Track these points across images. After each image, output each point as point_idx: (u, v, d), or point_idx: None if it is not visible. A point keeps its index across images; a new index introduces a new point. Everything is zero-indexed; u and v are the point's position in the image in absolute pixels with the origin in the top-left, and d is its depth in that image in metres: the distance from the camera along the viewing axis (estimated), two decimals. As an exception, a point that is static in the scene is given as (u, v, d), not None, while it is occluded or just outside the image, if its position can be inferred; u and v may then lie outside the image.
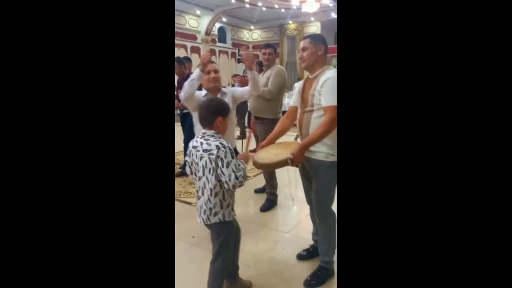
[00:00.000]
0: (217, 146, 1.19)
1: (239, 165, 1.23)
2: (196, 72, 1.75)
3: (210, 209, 1.25)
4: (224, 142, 1.22)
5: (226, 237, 1.32)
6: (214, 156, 1.19)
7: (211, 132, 1.26)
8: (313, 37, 1.55)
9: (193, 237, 2.06)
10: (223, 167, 1.18)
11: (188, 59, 3.69)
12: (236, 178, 1.18)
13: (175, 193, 2.94)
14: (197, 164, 1.25)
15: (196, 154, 1.25)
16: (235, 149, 1.91)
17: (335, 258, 1.63)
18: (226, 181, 1.19)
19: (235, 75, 6.93)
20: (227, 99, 1.85)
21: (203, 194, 1.27)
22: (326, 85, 1.41)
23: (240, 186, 1.21)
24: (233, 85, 7.39)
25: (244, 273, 1.68)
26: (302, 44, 1.54)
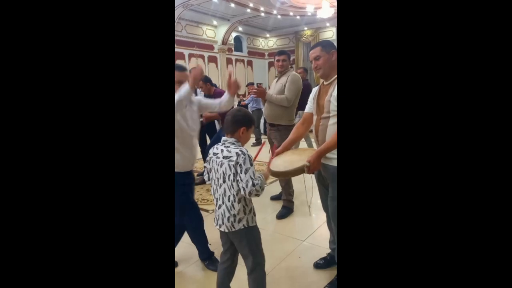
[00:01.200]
0: (237, 153, 1.22)
1: (258, 176, 1.25)
2: (185, 89, 1.49)
3: (234, 215, 1.25)
4: (244, 150, 1.25)
5: (254, 243, 1.32)
6: (233, 163, 1.21)
7: (232, 139, 1.29)
8: (323, 44, 1.55)
9: (210, 244, 2.06)
10: (241, 173, 1.20)
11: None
12: (253, 185, 1.19)
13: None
14: (217, 171, 1.27)
15: (216, 161, 1.27)
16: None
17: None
18: (243, 187, 1.21)
19: (250, 84, 6.96)
20: (195, 108, 1.76)
21: (223, 202, 1.27)
22: None
23: (256, 195, 1.22)
24: (248, 94, 7.46)
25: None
26: (313, 53, 1.53)
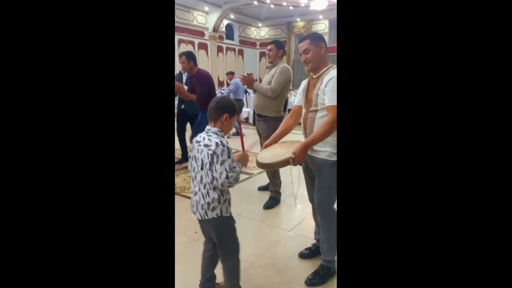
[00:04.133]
0: (216, 143, 1.23)
1: (234, 167, 1.26)
2: None
3: (208, 203, 1.27)
4: (224, 141, 1.25)
5: (227, 233, 1.34)
6: (211, 152, 1.22)
7: (215, 129, 1.29)
8: (312, 37, 1.54)
9: (196, 232, 2.08)
10: (217, 163, 1.22)
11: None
12: (227, 177, 1.21)
13: (179, 188, 2.97)
14: (197, 159, 1.28)
15: (198, 149, 1.28)
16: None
17: (336, 258, 1.64)
18: (216, 178, 1.22)
19: (230, 73, 6.71)
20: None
21: (199, 189, 1.29)
22: (329, 85, 1.41)
23: (229, 186, 1.25)
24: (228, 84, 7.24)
25: (245, 270, 1.69)
26: (302, 46, 1.52)
